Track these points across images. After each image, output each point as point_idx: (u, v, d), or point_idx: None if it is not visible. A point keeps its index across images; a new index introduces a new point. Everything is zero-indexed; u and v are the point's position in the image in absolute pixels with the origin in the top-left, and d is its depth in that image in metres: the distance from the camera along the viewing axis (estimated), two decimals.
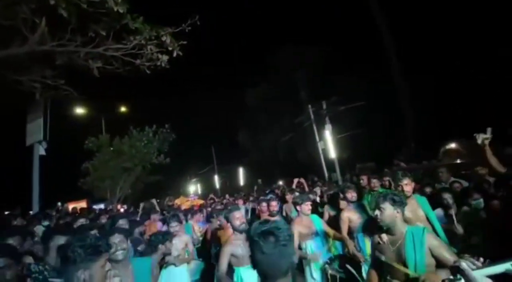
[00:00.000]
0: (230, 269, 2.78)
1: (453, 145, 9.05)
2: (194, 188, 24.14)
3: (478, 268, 1.03)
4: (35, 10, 4.18)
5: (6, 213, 7.01)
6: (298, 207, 3.38)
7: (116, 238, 2.01)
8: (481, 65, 13.22)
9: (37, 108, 7.28)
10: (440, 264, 1.75)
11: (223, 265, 2.64)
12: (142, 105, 19.03)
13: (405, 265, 1.83)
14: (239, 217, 2.81)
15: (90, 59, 5.05)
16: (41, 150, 7.36)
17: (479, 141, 2.56)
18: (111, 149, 12.49)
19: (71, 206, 9.62)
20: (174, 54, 4.99)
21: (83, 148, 12.26)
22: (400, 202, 1.92)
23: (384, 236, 1.95)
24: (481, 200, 3.07)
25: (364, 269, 2.86)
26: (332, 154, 12.17)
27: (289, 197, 5.01)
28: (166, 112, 21.19)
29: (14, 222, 4.59)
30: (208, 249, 4.10)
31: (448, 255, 1.72)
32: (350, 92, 14.40)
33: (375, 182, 4.37)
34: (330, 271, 2.82)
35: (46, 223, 4.56)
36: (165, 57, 5.02)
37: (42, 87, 5.86)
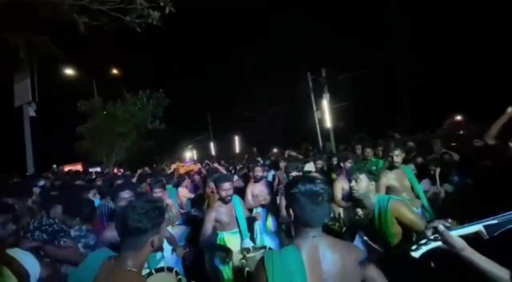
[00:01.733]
0: (214, 233, 2.84)
1: (458, 117, 9.11)
2: (190, 154, 24.36)
3: (451, 228, 1.11)
4: None
5: (2, 174, 7.05)
6: (287, 176, 3.43)
7: (126, 194, 2.25)
8: (481, 41, 12.80)
9: (24, 67, 6.93)
10: (409, 231, 1.78)
11: (207, 230, 2.68)
12: (135, 68, 18.33)
13: (379, 235, 1.89)
14: (227, 189, 2.79)
15: (75, 13, 4.66)
16: (30, 111, 7.19)
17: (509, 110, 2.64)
18: (104, 113, 12.23)
19: (66, 169, 9.70)
20: (167, 11, 4.62)
21: (75, 111, 11.98)
22: (375, 175, 1.98)
23: (359, 210, 2.02)
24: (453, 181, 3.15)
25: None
26: (328, 123, 12.17)
27: (282, 164, 5.06)
28: (160, 77, 20.51)
29: (10, 181, 4.61)
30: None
31: (418, 221, 1.76)
32: (348, 63, 13.98)
33: (368, 152, 4.43)
34: None
35: (42, 183, 4.61)
36: (156, 14, 4.65)
37: (26, 45, 5.50)
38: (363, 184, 1.93)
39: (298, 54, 19.05)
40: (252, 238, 3.19)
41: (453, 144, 5.48)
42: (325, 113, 12.30)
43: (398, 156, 3.02)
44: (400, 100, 16.71)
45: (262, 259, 1.11)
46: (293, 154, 6.50)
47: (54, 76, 11.12)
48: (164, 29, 5.13)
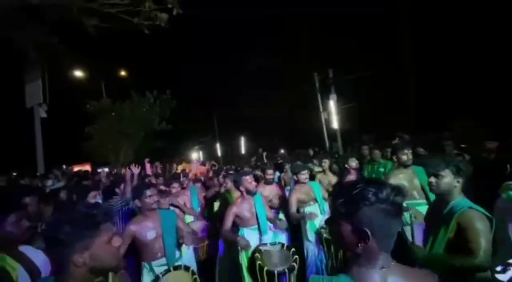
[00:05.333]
0: (235, 228, 2.98)
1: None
2: (196, 155, 24.49)
3: None
4: None
5: (14, 174, 7.21)
6: (295, 176, 3.46)
7: (151, 191, 2.41)
8: (488, 41, 12.56)
9: (34, 69, 7.09)
10: (461, 250, 1.49)
11: (228, 224, 2.82)
12: (143, 69, 18.53)
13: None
14: (251, 180, 2.96)
15: (85, 16, 4.74)
16: (41, 112, 7.33)
17: None
18: (113, 113, 12.41)
19: (76, 169, 9.85)
20: (174, 13, 4.67)
21: (84, 111, 12.18)
22: (464, 171, 1.70)
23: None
24: None
25: None
26: (335, 124, 12.08)
27: (287, 166, 5.03)
28: (167, 78, 20.69)
29: (22, 181, 4.71)
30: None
31: (483, 247, 1.43)
32: (355, 63, 13.87)
33: (376, 153, 4.37)
34: (325, 235, 2.92)
35: (50, 182, 4.71)
36: (164, 16, 4.70)
37: (37, 47, 5.62)
38: (446, 179, 1.68)
39: (304, 55, 19.01)
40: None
41: (464, 145, 5.38)
42: (332, 114, 12.22)
43: (407, 155, 2.97)
44: (408, 101, 16.50)
45: None
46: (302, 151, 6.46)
47: (64, 78, 11.32)
48: (172, 30, 5.19)
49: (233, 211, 2.90)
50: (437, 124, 9.77)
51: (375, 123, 14.38)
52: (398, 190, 0.83)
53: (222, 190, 4.07)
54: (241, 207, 2.94)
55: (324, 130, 13.04)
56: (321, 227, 3.05)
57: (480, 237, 1.43)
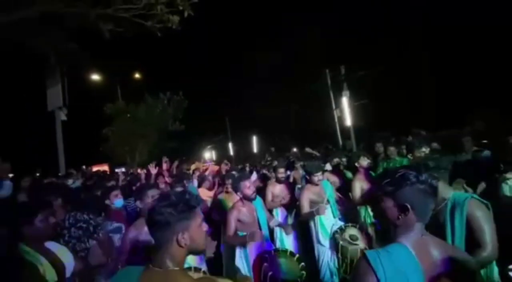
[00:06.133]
0: (236, 233, 2.84)
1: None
2: (209, 154, 24.76)
3: None
4: None
5: (37, 174, 7.57)
6: (307, 176, 3.36)
7: (154, 191, 2.36)
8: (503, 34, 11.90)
9: (55, 74, 7.39)
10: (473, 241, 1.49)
11: (231, 229, 2.72)
12: (156, 72, 18.90)
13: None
14: (250, 186, 2.82)
15: (101, 21, 4.91)
16: (62, 115, 7.64)
17: None
18: (128, 115, 12.76)
19: (94, 169, 10.21)
20: (185, 15, 4.75)
21: (102, 114, 12.60)
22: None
23: None
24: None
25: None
26: (348, 121, 11.89)
27: (298, 165, 5.00)
28: (179, 79, 21.02)
29: (47, 181, 4.94)
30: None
31: (488, 235, 1.47)
32: (368, 59, 13.56)
33: (392, 150, 4.27)
34: (341, 242, 2.66)
35: (70, 181, 4.93)
36: (176, 18, 4.80)
37: (56, 52, 5.87)
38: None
39: (315, 51, 18.78)
40: (272, 238, 3.18)
41: (485, 141, 5.16)
42: (345, 111, 12.03)
43: (424, 152, 2.89)
44: (423, 97, 15.96)
45: (366, 260, 0.96)
46: (309, 150, 6.43)
47: (82, 81, 11.73)
48: (183, 32, 5.28)
49: (234, 215, 2.78)
50: (456, 119, 9.38)
51: (390, 119, 14.03)
52: (434, 175, 1.08)
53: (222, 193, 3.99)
54: (242, 211, 2.82)
55: (337, 128, 12.86)
56: (335, 233, 2.84)
57: (485, 224, 1.50)
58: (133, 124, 12.52)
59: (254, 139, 21.79)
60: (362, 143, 10.12)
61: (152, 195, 2.33)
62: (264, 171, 5.41)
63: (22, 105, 11.76)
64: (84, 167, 10.05)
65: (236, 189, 2.92)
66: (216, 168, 7.51)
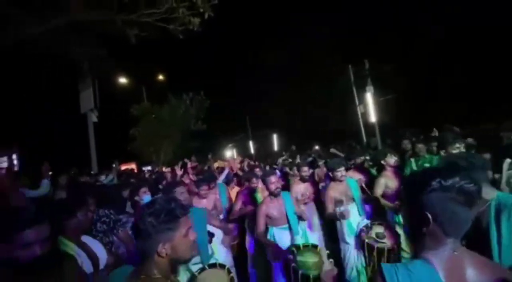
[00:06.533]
0: (264, 228, 2.92)
1: None
2: (230, 153, 25.10)
3: None
4: None
5: (73, 172, 8.11)
6: (330, 173, 3.31)
7: (182, 189, 2.48)
8: None
9: (86, 78, 7.89)
10: None
11: (261, 225, 2.78)
12: (179, 72, 19.42)
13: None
14: (275, 181, 2.88)
15: (127, 27, 5.15)
16: (93, 117, 8.14)
17: None
18: (153, 116, 13.28)
19: (123, 167, 10.75)
20: (206, 16, 4.86)
21: (128, 115, 13.22)
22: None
23: None
24: None
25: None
26: (373, 118, 11.47)
27: (320, 162, 4.94)
28: (201, 79, 21.45)
29: (82, 179, 5.31)
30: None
31: None
32: (392, 52, 12.94)
33: (420, 147, 4.08)
34: (366, 240, 2.59)
35: (102, 177, 5.26)
36: (196, 20, 4.93)
37: (87, 58, 6.25)
38: None
39: (337, 46, 18.28)
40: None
41: None
42: (369, 107, 11.60)
43: (459, 149, 2.68)
44: (453, 90, 14.95)
45: (382, 276, 0.86)
46: (334, 150, 6.29)
47: (110, 85, 12.37)
48: (203, 33, 5.39)
49: (262, 211, 2.85)
50: (492, 113, 8.68)
51: (417, 115, 13.34)
52: (471, 178, 0.82)
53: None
54: (270, 206, 2.88)
55: (361, 124, 12.47)
56: (361, 231, 2.78)
57: None
58: (158, 125, 13.02)
59: (275, 137, 21.74)
60: (388, 140, 9.73)
61: (180, 192, 2.45)
62: (286, 169, 5.39)
63: (57, 109, 12.63)
64: (114, 165, 10.60)
65: (264, 182, 2.98)
66: (237, 164, 7.58)
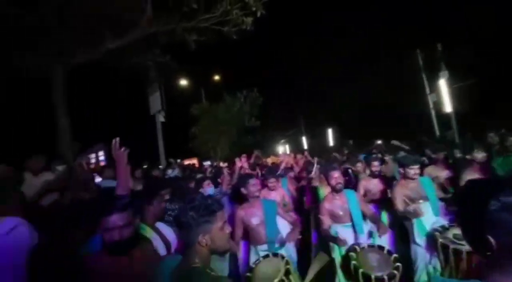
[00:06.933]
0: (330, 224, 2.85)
1: None
2: (282, 148, 25.12)
3: None
4: None
5: (145, 166, 9.25)
6: (401, 169, 3.01)
7: (253, 180, 2.70)
8: None
9: (154, 83, 8.87)
10: None
11: (325, 222, 2.75)
12: (233, 71, 20.17)
13: None
14: (337, 177, 2.81)
15: (187, 33, 5.60)
16: (161, 118, 9.12)
17: None
18: (211, 115, 14.20)
19: (186, 162, 11.79)
20: (258, 14, 4.96)
21: (189, 114, 14.39)
22: None
23: None
24: None
25: None
26: (448, 107, 10.00)
27: (387, 158, 4.57)
28: (254, 77, 21.91)
29: (153, 172, 6.02)
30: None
31: None
32: (470, 32, 10.96)
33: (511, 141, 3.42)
34: (440, 240, 2.32)
35: (170, 171, 5.88)
36: (249, 19, 5.07)
37: (154, 65, 7.02)
38: None
39: (400, 30, 16.41)
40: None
41: None
42: (443, 95, 10.14)
43: None
44: None
45: None
46: (396, 142, 5.73)
47: (173, 87, 13.62)
48: (256, 31, 5.51)
49: (325, 207, 2.82)
50: None
51: (501, 104, 11.08)
52: None
53: (316, 183, 4.00)
54: (333, 203, 2.83)
55: (433, 115, 11.02)
56: (435, 230, 2.49)
57: None
58: (215, 123, 13.87)
59: (330, 132, 20.86)
60: (468, 133, 8.37)
61: (252, 183, 2.63)
62: (346, 166, 5.14)
63: (130, 111, 14.51)
64: (178, 160, 11.71)
65: (325, 177, 2.95)
66: (291, 160, 7.54)
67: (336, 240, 2.50)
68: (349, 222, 2.82)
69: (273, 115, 20.93)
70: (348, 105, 19.46)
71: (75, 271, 1.39)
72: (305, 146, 22.57)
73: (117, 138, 2.03)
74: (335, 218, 2.83)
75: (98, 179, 4.12)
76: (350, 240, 2.69)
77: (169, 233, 2.20)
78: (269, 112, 17.26)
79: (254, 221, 2.65)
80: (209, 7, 5.25)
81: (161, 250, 1.99)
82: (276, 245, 2.64)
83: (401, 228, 3.06)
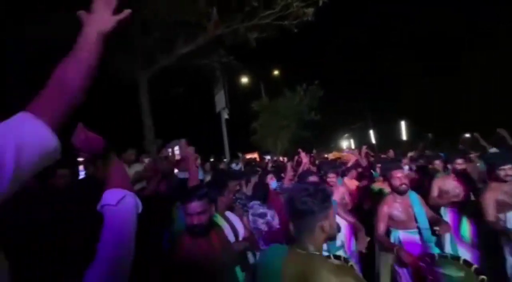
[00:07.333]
0: (387, 230, 2.60)
1: None
2: (347, 143, 23.76)
3: None
4: (208, 2, 5.22)
5: (211, 160, 10.01)
6: (449, 165, 2.61)
7: (314, 178, 2.69)
8: None
9: (219, 82, 9.47)
10: None
11: (381, 227, 2.50)
12: (292, 65, 19.93)
13: None
14: (401, 176, 2.49)
15: (248, 32, 5.79)
16: (225, 115, 9.72)
17: None
18: (271, 110, 14.40)
19: (247, 156, 12.29)
20: (320, 3, 4.78)
21: (249, 110, 14.89)
22: None
23: None
24: None
25: None
26: None
27: (473, 155, 3.88)
28: (314, 68, 21.20)
29: (220, 165, 6.50)
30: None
31: None
32: None
33: None
34: None
35: (234, 165, 6.26)
36: (310, 10, 4.94)
37: (220, 65, 7.49)
38: None
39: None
40: (439, 245, 2.68)
41: None
42: None
43: None
44: None
45: None
46: (503, 132, 4.75)
47: (236, 85, 14.26)
48: (316, 22, 5.32)
49: (384, 211, 2.51)
50: None
51: None
52: None
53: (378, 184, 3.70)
54: (393, 206, 2.51)
55: None
56: None
57: None
58: (275, 118, 14.03)
59: (403, 124, 18.74)
60: None
61: (313, 180, 2.59)
62: (421, 162, 4.60)
63: (198, 110, 15.78)
64: (241, 154, 12.29)
65: (385, 177, 2.70)
66: (354, 156, 7.10)
67: (399, 251, 2.18)
68: (414, 228, 2.48)
69: (335, 108, 19.92)
70: (425, 94, 17.09)
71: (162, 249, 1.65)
72: (373, 140, 20.82)
73: (183, 140, 2.28)
74: (396, 223, 2.53)
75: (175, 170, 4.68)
76: (416, 249, 2.38)
77: (237, 222, 2.37)
78: (331, 105, 16.47)
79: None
80: (269, 3, 5.30)
81: (231, 237, 2.17)
82: (338, 244, 2.55)
83: (488, 238, 2.58)
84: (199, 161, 5.27)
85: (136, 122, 6.20)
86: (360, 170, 4.82)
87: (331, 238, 1.20)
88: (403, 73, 18.60)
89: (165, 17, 5.15)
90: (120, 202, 0.74)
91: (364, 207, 3.84)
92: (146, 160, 3.96)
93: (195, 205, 1.65)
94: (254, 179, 3.68)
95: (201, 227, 1.65)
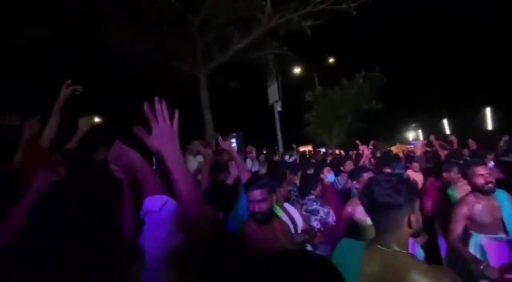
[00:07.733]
0: (467, 233, 2.25)
1: None
2: (413, 134, 21.35)
3: None
4: None
5: (264, 152, 10.17)
6: None
7: (369, 174, 2.39)
8: None
9: (272, 75, 9.49)
10: None
11: (456, 229, 2.19)
12: (349, 51, 18.63)
13: None
14: (484, 173, 2.14)
15: (302, 20, 5.61)
16: (278, 107, 9.73)
17: None
18: (325, 100, 13.80)
19: (301, 149, 12.11)
20: None
21: (303, 101, 14.53)
22: None
23: None
24: None
25: None
26: None
27: None
28: (376, 55, 19.42)
29: (275, 157, 6.58)
30: None
31: None
32: None
33: None
34: None
35: (287, 157, 6.24)
36: None
37: (273, 58, 7.47)
38: None
39: None
40: None
41: None
42: None
43: None
44: None
45: None
46: None
47: (289, 76, 14.07)
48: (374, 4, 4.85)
49: (463, 212, 2.18)
50: None
51: None
52: None
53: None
54: (475, 207, 2.17)
55: None
56: None
57: None
58: (330, 108, 13.41)
59: (488, 112, 15.89)
60: None
61: (366, 177, 2.39)
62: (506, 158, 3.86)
63: (252, 103, 16.08)
64: (294, 146, 12.18)
65: (464, 175, 2.32)
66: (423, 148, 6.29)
67: (485, 269, 1.85)
68: (502, 233, 2.11)
69: (399, 97, 18.01)
70: None
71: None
72: (447, 130, 18.20)
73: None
74: (478, 226, 2.18)
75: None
76: (503, 257, 2.02)
77: (295, 214, 2.38)
78: (395, 93, 14.93)
79: (362, 219, 2.35)
80: None
81: (289, 228, 2.19)
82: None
83: None
84: (254, 153, 5.43)
85: (197, 118, 6.68)
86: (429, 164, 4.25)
87: (416, 234, 1.10)
88: (489, 55, 15.58)
89: (222, 15, 5.36)
90: (162, 209, 0.78)
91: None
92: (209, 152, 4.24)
93: (256, 193, 1.74)
94: (309, 172, 3.62)
95: (262, 215, 1.73)
